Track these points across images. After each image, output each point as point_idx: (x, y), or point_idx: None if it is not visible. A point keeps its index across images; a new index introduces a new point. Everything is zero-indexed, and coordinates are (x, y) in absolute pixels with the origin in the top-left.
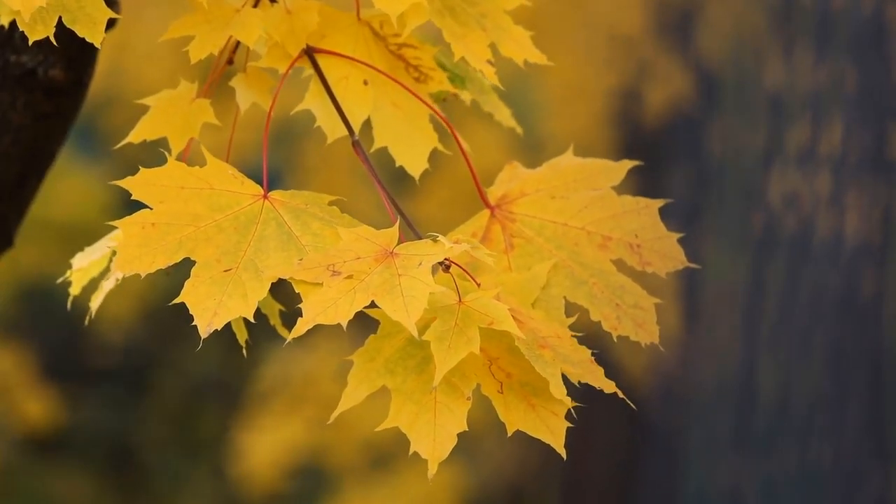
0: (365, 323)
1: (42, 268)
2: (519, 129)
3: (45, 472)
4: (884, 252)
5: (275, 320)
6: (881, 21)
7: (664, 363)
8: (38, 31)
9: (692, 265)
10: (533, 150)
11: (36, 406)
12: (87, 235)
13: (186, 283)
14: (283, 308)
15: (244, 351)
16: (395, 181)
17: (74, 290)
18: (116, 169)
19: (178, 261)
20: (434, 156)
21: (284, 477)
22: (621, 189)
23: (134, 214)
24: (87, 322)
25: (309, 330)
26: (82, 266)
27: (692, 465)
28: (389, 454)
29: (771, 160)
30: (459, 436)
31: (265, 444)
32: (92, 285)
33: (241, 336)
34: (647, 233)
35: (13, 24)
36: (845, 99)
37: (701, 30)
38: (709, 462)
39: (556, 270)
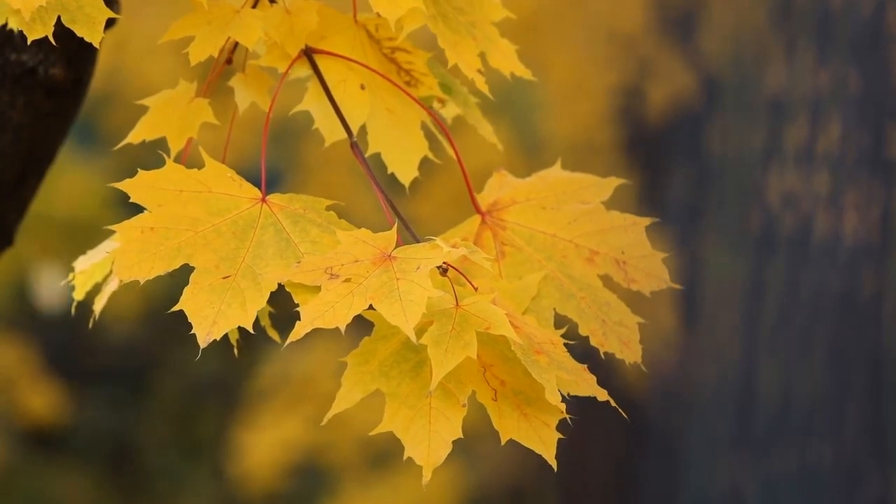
0: (365, 322)
1: (44, 263)
2: (500, 146)
3: (46, 472)
4: (883, 252)
5: (265, 322)
6: (881, 23)
7: (664, 363)
8: (36, 30)
9: (675, 285)
10: (534, 150)
11: (39, 400)
12: (88, 231)
13: (185, 290)
14: (272, 310)
15: (236, 351)
16: (393, 181)
17: (78, 295)
18: (117, 165)
19: (176, 266)
20: (435, 154)
21: (283, 476)
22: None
23: (132, 219)
24: (90, 325)
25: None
26: (84, 269)
27: (692, 465)
28: (388, 453)
29: (770, 160)
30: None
31: (264, 443)
32: (95, 289)
33: (233, 336)
34: (633, 250)
35: None
36: (844, 99)
37: (702, 30)
38: (709, 462)
39: (547, 282)
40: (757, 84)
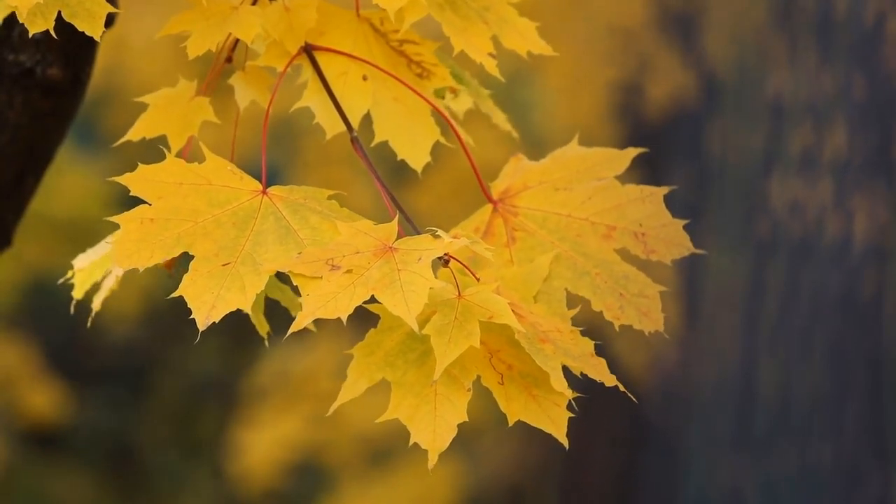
0: (363, 320)
1: (44, 263)
2: (515, 134)
3: (46, 472)
4: (885, 253)
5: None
6: (884, 25)
7: (664, 362)
8: (37, 24)
9: (698, 251)
10: (534, 146)
11: (39, 400)
12: (89, 231)
13: (185, 277)
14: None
15: (266, 343)
16: (394, 175)
17: (77, 294)
18: (119, 164)
19: (176, 255)
20: (435, 149)
21: (283, 474)
22: (624, 183)
23: (132, 210)
24: (89, 324)
25: (306, 327)
26: (83, 267)
27: (692, 465)
28: (388, 451)
29: (774, 163)
30: (458, 432)
31: (263, 442)
32: (94, 288)
33: (263, 329)
34: (651, 221)
35: (11, 22)
36: (849, 102)
37: (703, 29)
38: (709, 462)
39: (558, 262)
40: (758, 85)
